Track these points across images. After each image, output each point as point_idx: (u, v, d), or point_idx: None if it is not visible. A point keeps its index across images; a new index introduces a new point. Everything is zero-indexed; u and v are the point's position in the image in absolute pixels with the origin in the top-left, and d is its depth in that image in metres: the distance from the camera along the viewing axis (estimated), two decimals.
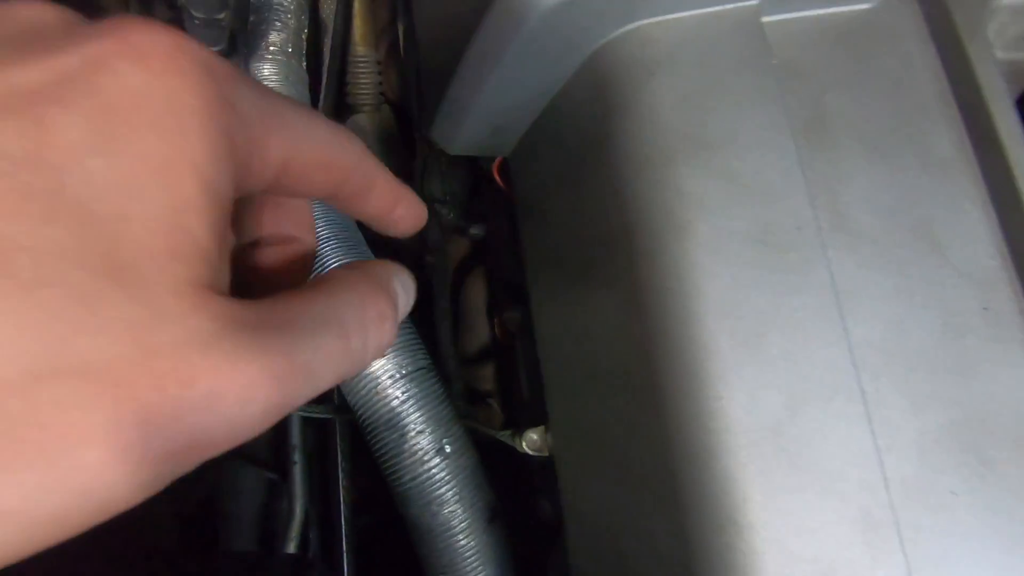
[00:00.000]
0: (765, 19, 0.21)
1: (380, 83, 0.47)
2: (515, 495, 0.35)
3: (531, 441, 0.30)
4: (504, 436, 0.32)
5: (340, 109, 0.48)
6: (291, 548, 0.37)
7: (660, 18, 0.21)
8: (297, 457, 0.38)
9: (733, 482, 0.18)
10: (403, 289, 0.14)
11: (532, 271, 0.28)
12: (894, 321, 0.19)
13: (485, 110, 0.25)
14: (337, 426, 0.36)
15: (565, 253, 0.25)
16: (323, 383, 0.11)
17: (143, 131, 0.10)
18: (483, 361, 0.40)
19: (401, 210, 0.15)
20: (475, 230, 0.43)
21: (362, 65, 0.47)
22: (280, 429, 0.40)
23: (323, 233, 0.32)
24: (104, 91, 0.09)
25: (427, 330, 0.39)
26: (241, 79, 0.11)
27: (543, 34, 0.21)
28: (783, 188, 0.19)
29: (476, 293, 0.42)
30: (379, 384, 0.29)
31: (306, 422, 0.41)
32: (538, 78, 0.23)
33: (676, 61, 0.21)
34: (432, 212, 0.44)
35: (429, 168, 0.43)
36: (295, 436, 0.38)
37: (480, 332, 0.41)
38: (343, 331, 0.11)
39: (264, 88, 0.12)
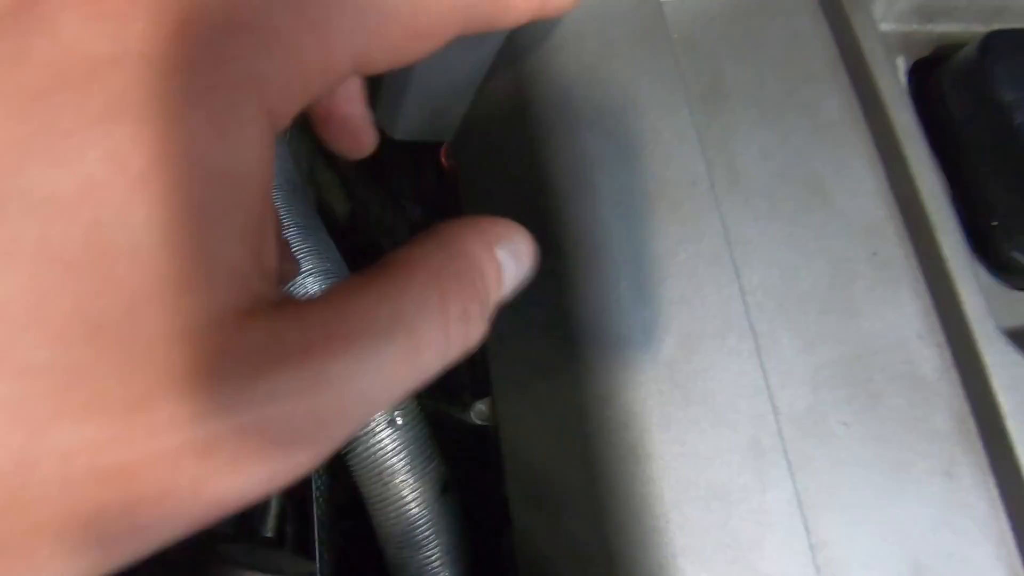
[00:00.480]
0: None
1: None
2: (477, 475, 0.36)
3: (479, 412, 0.31)
4: (455, 410, 0.33)
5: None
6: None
7: None
8: None
9: (634, 416, 0.19)
10: (512, 258, 0.10)
11: None
12: (786, 267, 0.20)
13: (419, 94, 0.27)
14: None
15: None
16: (377, 408, 0.09)
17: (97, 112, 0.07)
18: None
19: None
20: None
21: None
22: None
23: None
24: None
25: None
26: None
27: None
28: (678, 148, 0.21)
29: None
30: None
31: None
32: (463, 60, 0.25)
33: (581, 36, 0.22)
34: (401, 209, 0.46)
35: (397, 164, 0.44)
36: None
37: None
38: (413, 344, 0.09)
39: None
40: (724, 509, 0.18)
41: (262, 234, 0.08)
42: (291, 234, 0.33)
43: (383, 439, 0.30)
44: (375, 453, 0.30)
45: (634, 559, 0.18)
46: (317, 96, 0.09)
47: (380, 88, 0.28)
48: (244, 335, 0.08)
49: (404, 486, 0.30)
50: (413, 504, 0.30)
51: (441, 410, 0.33)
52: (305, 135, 0.47)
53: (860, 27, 0.23)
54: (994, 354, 0.19)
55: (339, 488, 0.39)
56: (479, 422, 0.31)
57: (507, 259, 0.10)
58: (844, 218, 0.21)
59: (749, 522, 0.18)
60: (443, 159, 0.34)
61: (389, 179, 0.46)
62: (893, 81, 0.22)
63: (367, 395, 0.08)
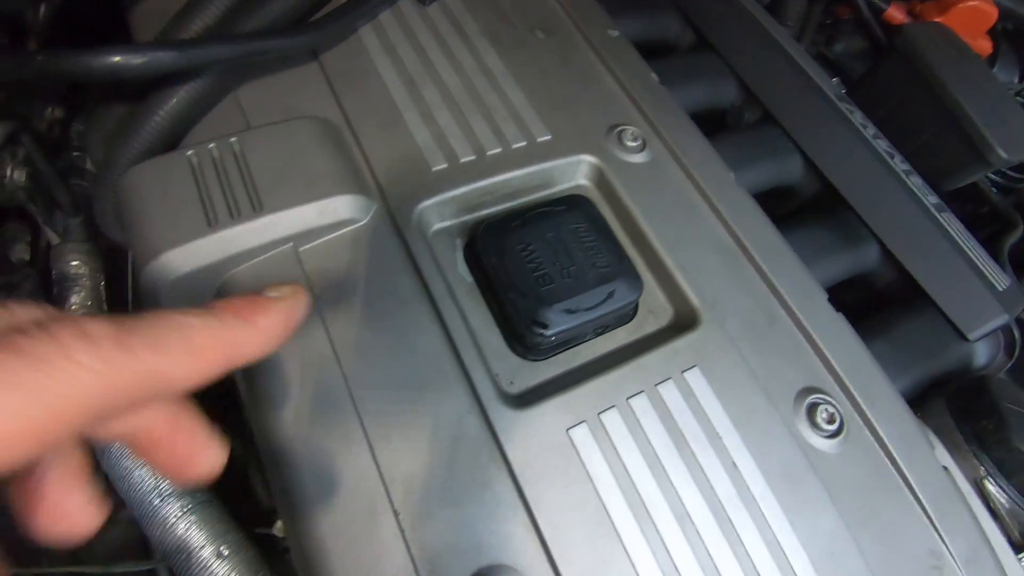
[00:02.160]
0: (301, 249, 0.39)
1: None
2: None
3: (278, 527, 0.44)
4: (272, 531, 0.45)
5: None
6: None
7: (238, 268, 0.38)
8: None
9: (306, 508, 0.33)
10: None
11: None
12: (387, 393, 0.35)
13: None
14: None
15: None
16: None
17: None
18: None
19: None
20: None
21: None
22: None
23: None
24: None
25: None
26: None
27: (176, 293, 0.37)
28: (313, 335, 0.36)
29: None
30: (166, 524, 0.42)
31: None
32: None
33: (249, 287, 0.38)
34: None
35: None
36: None
37: None
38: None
39: None
40: (364, 551, 0.31)
41: None
42: None
43: (215, 569, 0.42)
44: None
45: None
46: None
47: None
48: None
49: None
50: None
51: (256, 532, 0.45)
52: None
53: (411, 238, 0.39)
54: (496, 414, 0.34)
55: None
56: (280, 535, 0.44)
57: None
58: (421, 354, 0.37)
59: (374, 552, 0.31)
60: None
61: None
62: (434, 267, 0.39)
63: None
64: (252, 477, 0.53)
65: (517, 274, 0.38)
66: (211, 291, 0.39)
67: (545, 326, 0.36)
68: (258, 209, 0.37)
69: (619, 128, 0.47)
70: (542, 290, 0.37)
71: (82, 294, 0.56)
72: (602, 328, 0.40)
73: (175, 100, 0.41)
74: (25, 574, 0.49)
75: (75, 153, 0.62)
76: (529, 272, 0.38)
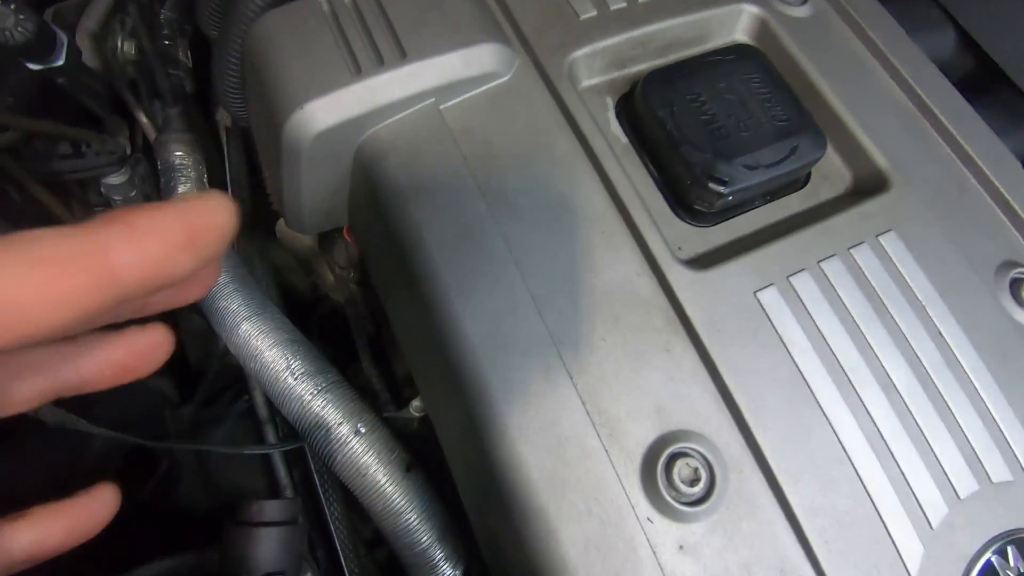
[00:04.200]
0: (442, 107, 0.36)
1: None
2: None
3: (416, 407, 0.43)
4: (403, 412, 0.45)
5: (267, 217, 0.62)
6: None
7: (380, 125, 0.35)
8: (289, 493, 0.50)
9: (476, 369, 0.31)
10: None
11: (380, 291, 0.42)
12: (551, 256, 0.33)
13: (311, 203, 0.39)
14: (307, 451, 0.48)
15: (385, 271, 0.39)
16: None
17: None
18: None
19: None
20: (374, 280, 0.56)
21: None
22: (269, 475, 0.52)
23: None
24: None
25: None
26: None
27: (316, 153, 0.35)
28: (468, 201, 0.33)
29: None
30: (303, 401, 0.42)
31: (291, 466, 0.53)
32: (331, 177, 0.37)
33: (396, 146, 0.35)
34: (342, 278, 0.58)
35: (331, 244, 0.56)
36: (282, 475, 0.51)
37: (402, 355, 0.53)
38: None
39: None
40: (536, 409, 0.30)
41: None
42: (253, 321, 0.45)
43: (354, 446, 0.42)
44: (350, 458, 0.41)
45: (493, 457, 0.30)
46: None
47: (284, 205, 0.40)
48: None
49: (377, 474, 0.41)
50: (386, 485, 0.41)
51: (394, 418, 0.44)
52: (253, 241, 0.59)
53: (564, 91, 0.35)
54: (674, 274, 0.31)
55: (362, 525, 0.50)
56: (417, 414, 0.43)
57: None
58: (581, 215, 0.34)
59: (551, 412, 0.30)
60: (347, 236, 0.46)
61: (327, 257, 0.58)
62: (591, 123, 0.35)
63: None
64: (368, 373, 0.53)
65: (690, 127, 0.34)
66: (350, 154, 0.36)
67: (724, 182, 0.32)
68: (402, 56, 0.34)
69: None
70: (719, 144, 0.33)
71: (188, 184, 0.55)
72: (771, 194, 0.36)
73: None
74: (154, 445, 0.50)
75: (166, 42, 0.59)
76: (703, 125, 0.34)
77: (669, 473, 0.28)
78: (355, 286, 0.56)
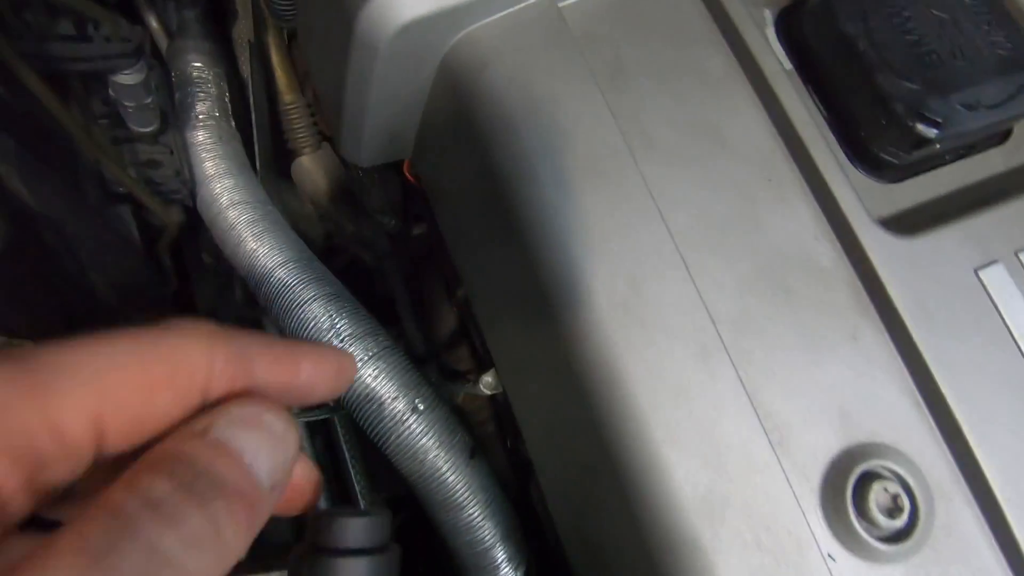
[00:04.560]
0: (561, 4, 0.27)
1: (315, 123, 0.52)
2: (503, 444, 0.40)
3: (487, 383, 0.36)
4: (467, 388, 0.38)
5: (280, 156, 0.53)
6: None
7: (481, 23, 0.27)
8: (309, 455, 0.43)
9: (605, 348, 0.24)
10: (261, 443, 0.10)
11: (452, 242, 0.34)
12: (700, 204, 0.25)
13: (375, 123, 0.31)
14: (337, 421, 0.42)
15: (467, 218, 0.31)
16: None
17: None
18: (456, 344, 0.45)
19: (309, 367, 0.13)
20: (417, 229, 0.49)
21: (293, 112, 0.52)
22: None
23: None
24: None
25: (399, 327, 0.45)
26: None
27: (396, 53, 0.27)
28: (598, 128, 0.25)
29: (434, 284, 0.47)
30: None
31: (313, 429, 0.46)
32: (407, 88, 0.29)
33: (500, 52, 0.27)
34: (378, 223, 0.50)
35: (366, 184, 0.48)
36: (304, 445, 0.44)
37: (447, 317, 0.46)
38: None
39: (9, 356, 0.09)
40: (687, 403, 0.23)
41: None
42: (290, 268, 0.37)
43: (411, 425, 0.35)
44: (407, 439, 0.35)
45: (625, 462, 0.23)
46: (54, 459, 0.09)
47: (341, 126, 0.32)
48: None
49: (437, 459, 0.35)
50: (447, 473, 0.35)
51: (457, 395, 0.37)
52: (269, 175, 0.51)
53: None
54: (870, 239, 0.24)
55: (390, 482, 0.44)
56: (488, 392, 0.36)
57: (253, 445, 0.10)
58: (740, 155, 0.26)
59: (708, 408, 0.23)
60: (407, 173, 0.38)
61: (358, 198, 0.50)
62: (758, 36, 0.27)
63: None
64: (411, 338, 0.46)
65: (890, 48, 0.26)
66: (436, 59, 0.28)
67: (937, 124, 0.25)
68: None
69: None
70: (929, 73, 0.25)
71: (207, 103, 0.46)
72: (968, 148, 0.29)
73: None
74: None
75: None
76: (908, 46, 0.26)
77: (862, 498, 0.22)
78: (394, 235, 0.48)
